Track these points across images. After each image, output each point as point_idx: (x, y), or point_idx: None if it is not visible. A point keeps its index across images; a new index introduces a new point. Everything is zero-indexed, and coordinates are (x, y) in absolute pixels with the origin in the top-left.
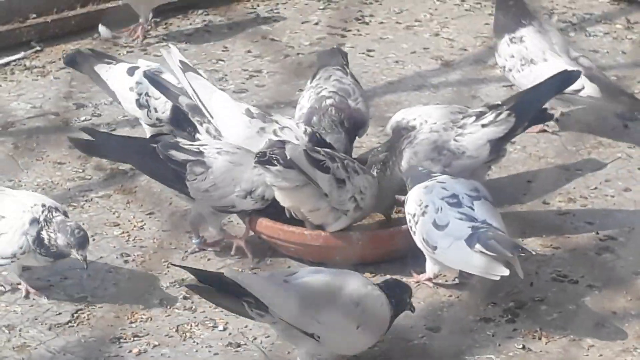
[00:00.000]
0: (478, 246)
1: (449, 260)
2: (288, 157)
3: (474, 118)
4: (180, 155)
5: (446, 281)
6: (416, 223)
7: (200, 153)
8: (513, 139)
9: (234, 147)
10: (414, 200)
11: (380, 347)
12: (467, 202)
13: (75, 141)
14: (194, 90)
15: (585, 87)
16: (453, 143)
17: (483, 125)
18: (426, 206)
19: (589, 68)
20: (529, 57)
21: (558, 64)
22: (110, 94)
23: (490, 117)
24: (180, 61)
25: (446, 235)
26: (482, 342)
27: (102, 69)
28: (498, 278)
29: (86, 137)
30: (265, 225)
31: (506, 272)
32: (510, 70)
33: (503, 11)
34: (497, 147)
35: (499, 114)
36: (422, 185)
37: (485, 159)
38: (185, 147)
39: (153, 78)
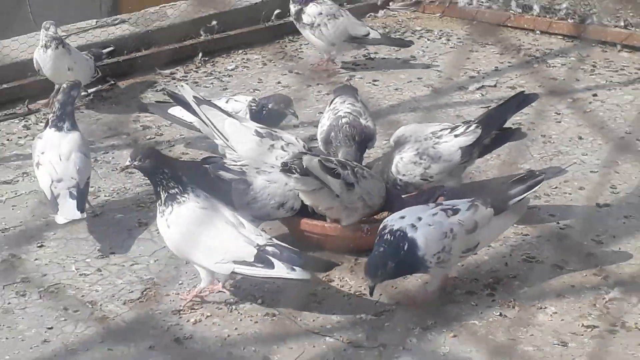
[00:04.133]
0: None
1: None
2: (304, 167)
3: (449, 130)
4: (227, 175)
5: None
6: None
7: (243, 172)
8: (492, 151)
9: (269, 165)
10: None
11: (387, 315)
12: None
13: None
14: (209, 119)
15: (371, 33)
16: (431, 150)
17: (455, 135)
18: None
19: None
20: (333, 13)
21: (348, 17)
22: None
23: (461, 129)
24: (194, 97)
25: None
26: (467, 311)
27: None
28: None
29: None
30: (296, 221)
31: None
32: (319, 25)
33: None
34: (467, 152)
35: (469, 126)
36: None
37: (458, 162)
38: (231, 167)
39: (171, 94)
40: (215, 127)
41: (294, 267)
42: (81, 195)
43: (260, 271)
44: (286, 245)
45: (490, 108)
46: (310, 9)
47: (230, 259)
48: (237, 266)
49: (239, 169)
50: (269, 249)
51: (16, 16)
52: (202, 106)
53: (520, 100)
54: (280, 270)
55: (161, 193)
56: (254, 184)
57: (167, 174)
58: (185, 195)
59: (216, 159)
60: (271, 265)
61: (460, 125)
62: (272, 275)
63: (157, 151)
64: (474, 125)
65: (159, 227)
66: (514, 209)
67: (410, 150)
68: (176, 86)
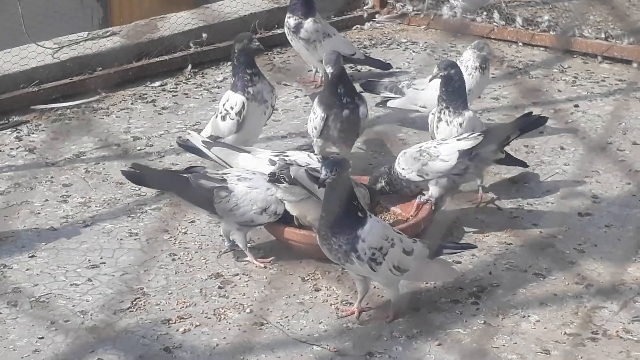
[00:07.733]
0: None
1: None
2: (292, 176)
3: (455, 137)
4: (208, 183)
5: None
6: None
7: (224, 180)
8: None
9: (251, 172)
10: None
11: (374, 324)
12: None
13: (127, 173)
14: (221, 159)
15: (357, 54)
16: (432, 149)
17: (457, 140)
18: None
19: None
20: (327, 32)
21: (339, 36)
22: None
23: (465, 135)
24: (202, 141)
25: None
26: (451, 319)
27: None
28: None
29: (135, 170)
30: (283, 230)
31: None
32: (314, 41)
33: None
34: (464, 155)
35: (472, 134)
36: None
37: (454, 164)
38: (212, 176)
39: (181, 144)
40: (229, 165)
41: None
42: None
43: None
44: None
45: (498, 124)
46: (309, 25)
47: None
48: None
49: (220, 177)
50: None
51: (10, 29)
52: (213, 149)
53: (529, 122)
54: None
55: None
56: (235, 191)
57: None
58: None
59: (198, 168)
60: None
61: (464, 134)
62: None
63: None
64: (476, 134)
65: None
66: (445, 262)
67: (414, 148)
68: (187, 134)
